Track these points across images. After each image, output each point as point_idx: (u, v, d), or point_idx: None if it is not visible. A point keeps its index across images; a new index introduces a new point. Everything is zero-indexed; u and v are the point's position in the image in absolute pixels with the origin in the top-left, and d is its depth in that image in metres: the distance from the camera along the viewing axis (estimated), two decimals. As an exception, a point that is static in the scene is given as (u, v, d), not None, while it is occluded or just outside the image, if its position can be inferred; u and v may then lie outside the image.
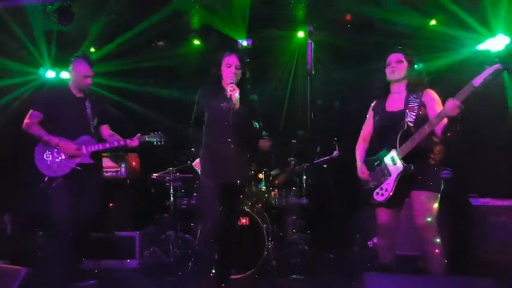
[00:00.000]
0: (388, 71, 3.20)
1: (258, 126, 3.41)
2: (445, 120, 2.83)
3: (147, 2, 5.51)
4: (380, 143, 3.20)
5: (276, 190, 4.93)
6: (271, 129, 5.27)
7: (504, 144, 5.03)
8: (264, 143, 5.23)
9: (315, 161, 5.02)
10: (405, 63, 3.16)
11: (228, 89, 3.22)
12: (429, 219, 2.95)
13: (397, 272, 3.16)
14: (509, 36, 5.17)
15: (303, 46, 5.81)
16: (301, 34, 6.01)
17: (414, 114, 3.04)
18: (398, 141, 3.03)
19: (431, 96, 3.09)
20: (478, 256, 4.20)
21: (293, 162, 5.03)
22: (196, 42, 6.32)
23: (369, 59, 5.14)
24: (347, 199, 5.10)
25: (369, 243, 4.60)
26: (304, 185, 5.15)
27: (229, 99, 3.24)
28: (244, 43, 5.95)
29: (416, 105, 3.06)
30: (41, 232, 4.99)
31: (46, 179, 3.65)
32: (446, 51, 5.47)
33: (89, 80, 3.83)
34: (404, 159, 2.99)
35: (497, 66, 2.68)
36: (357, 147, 3.41)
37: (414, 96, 3.10)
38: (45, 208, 3.65)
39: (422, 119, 3.01)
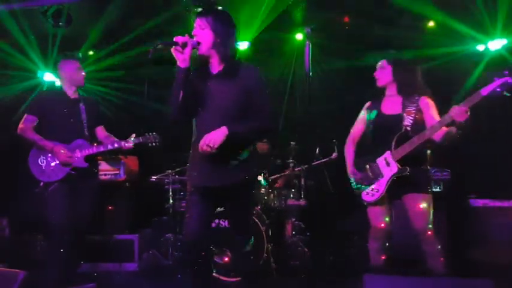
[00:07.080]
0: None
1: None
2: (444, 128, 2.90)
3: (146, 5, 5.49)
4: (374, 144, 3.21)
5: (275, 192, 4.92)
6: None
7: (504, 145, 5.02)
8: (262, 146, 5.23)
9: (313, 163, 5.01)
10: (388, 68, 3.22)
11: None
12: (427, 221, 3.00)
13: (397, 274, 3.15)
14: (506, 38, 5.20)
15: (302, 48, 5.82)
16: (299, 36, 6.02)
17: (412, 118, 3.08)
18: (394, 143, 3.05)
19: (428, 103, 3.13)
20: (478, 257, 4.19)
21: (292, 164, 5.02)
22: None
23: (367, 60, 5.14)
24: (346, 200, 5.09)
25: (368, 244, 4.58)
26: (304, 187, 5.14)
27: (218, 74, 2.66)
28: (243, 45, 5.93)
29: (414, 110, 3.10)
30: (40, 235, 4.97)
31: (41, 184, 3.60)
32: (444, 52, 5.48)
33: (82, 72, 3.77)
34: (399, 161, 3.02)
35: (506, 79, 2.69)
36: (346, 148, 3.42)
37: (411, 101, 3.13)
38: (42, 212, 3.61)
39: (419, 124, 3.08)
